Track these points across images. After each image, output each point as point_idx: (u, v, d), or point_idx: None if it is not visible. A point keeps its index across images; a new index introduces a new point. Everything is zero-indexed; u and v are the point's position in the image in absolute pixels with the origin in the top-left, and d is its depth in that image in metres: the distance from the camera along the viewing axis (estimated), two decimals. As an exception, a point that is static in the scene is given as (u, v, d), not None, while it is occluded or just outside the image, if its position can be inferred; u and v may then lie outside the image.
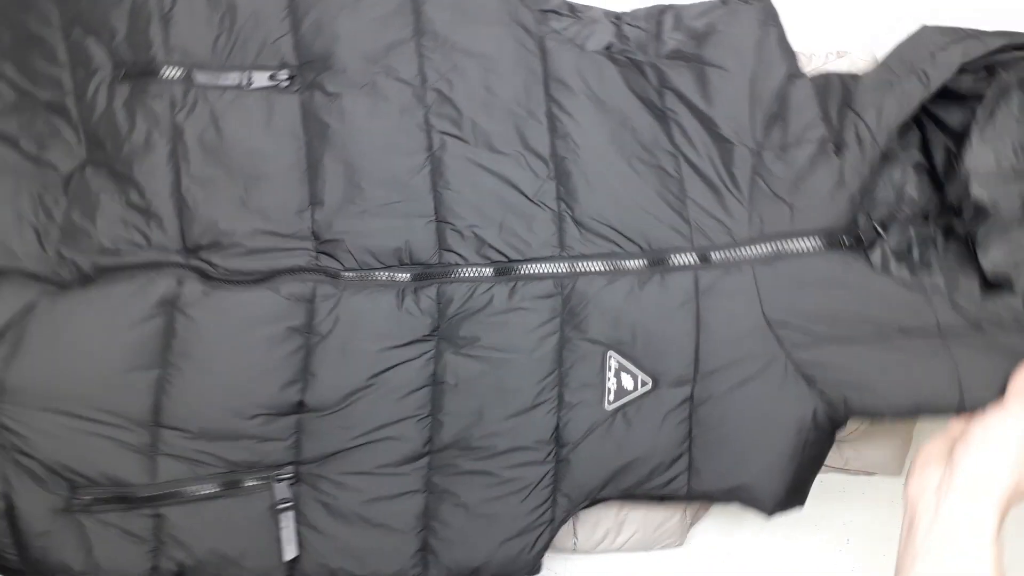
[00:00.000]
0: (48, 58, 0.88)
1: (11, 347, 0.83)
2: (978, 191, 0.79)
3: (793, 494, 0.83)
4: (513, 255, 0.86)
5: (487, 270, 0.86)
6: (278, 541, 0.83)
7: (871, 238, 0.86)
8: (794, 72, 0.85)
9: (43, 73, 0.88)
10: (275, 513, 0.83)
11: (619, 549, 0.94)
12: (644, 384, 0.83)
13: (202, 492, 0.83)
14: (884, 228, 0.86)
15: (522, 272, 0.86)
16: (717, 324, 0.83)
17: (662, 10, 0.91)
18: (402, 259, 0.86)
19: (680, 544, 0.96)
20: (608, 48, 0.89)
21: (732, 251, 0.84)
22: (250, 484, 0.83)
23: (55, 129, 0.88)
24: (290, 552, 0.83)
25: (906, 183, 0.88)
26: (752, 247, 0.83)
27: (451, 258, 0.86)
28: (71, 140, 0.88)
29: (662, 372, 0.83)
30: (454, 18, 0.88)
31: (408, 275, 0.86)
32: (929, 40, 0.82)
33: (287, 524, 0.83)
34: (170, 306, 0.84)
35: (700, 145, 0.86)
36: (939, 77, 0.79)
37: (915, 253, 0.87)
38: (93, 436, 0.82)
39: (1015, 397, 0.72)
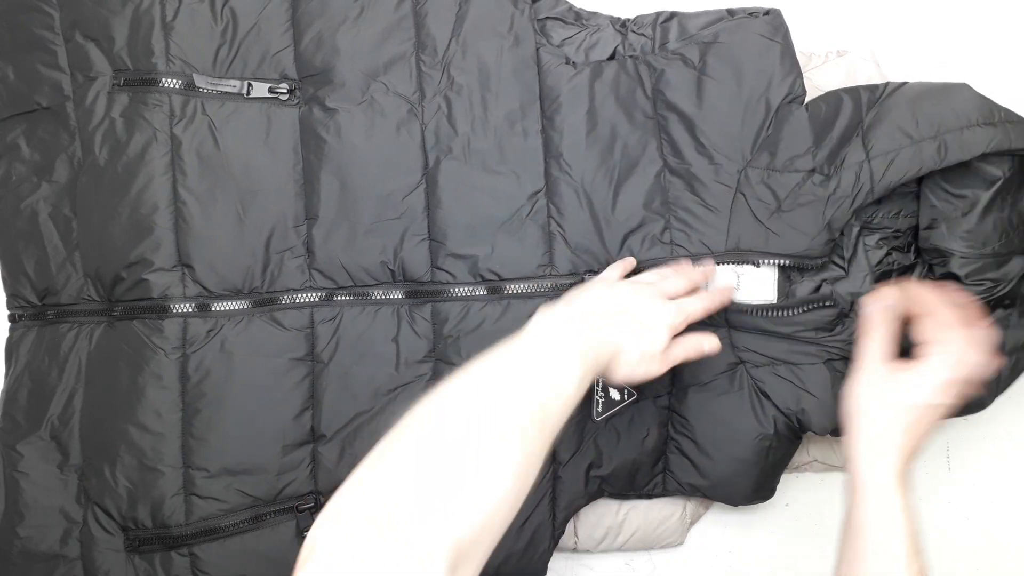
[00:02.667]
0: (49, 62, 0.88)
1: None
2: (957, 268, 0.83)
3: (759, 491, 0.89)
4: (505, 273, 0.86)
5: (479, 289, 0.86)
6: None
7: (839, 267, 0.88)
8: (795, 94, 0.85)
9: (44, 77, 0.88)
10: (302, 540, 0.84)
11: (620, 548, 0.95)
12: (631, 395, 0.85)
13: (230, 527, 0.84)
14: (849, 261, 0.89)
15: (513, 291, 0.86)
16: None
17: (668, 17, 0.90)
18: (395, 276, 0.87)
19: (680, 543, 0.97)
20: (611, 58, 0.89)
21: (707, 261, 0.85)
22: (274, 516, 0.85)
23: (54, 134, 0.88)
24: None
25: (884, 225, 0.89)
26: (726, 262, 0.85)
27: (443, 276, 0.87)
28: (67, 146, 0.88)
29: (644, 385, 0.85)
30: (455, 32, 0.88)
31: (401, 293, 0.87)
32: (964, 107, 0.80)
33: None
34: (180, 350, 0.85)
35: (688, 155, 0.86)
36: (957, 157, 0.79)
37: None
38: (148, 485, 0.84)
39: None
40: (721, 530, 1.00)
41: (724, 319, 0.85)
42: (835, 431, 0.84)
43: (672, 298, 0.76)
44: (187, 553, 0.83)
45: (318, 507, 0.85)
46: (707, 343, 0.77)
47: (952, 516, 1.01)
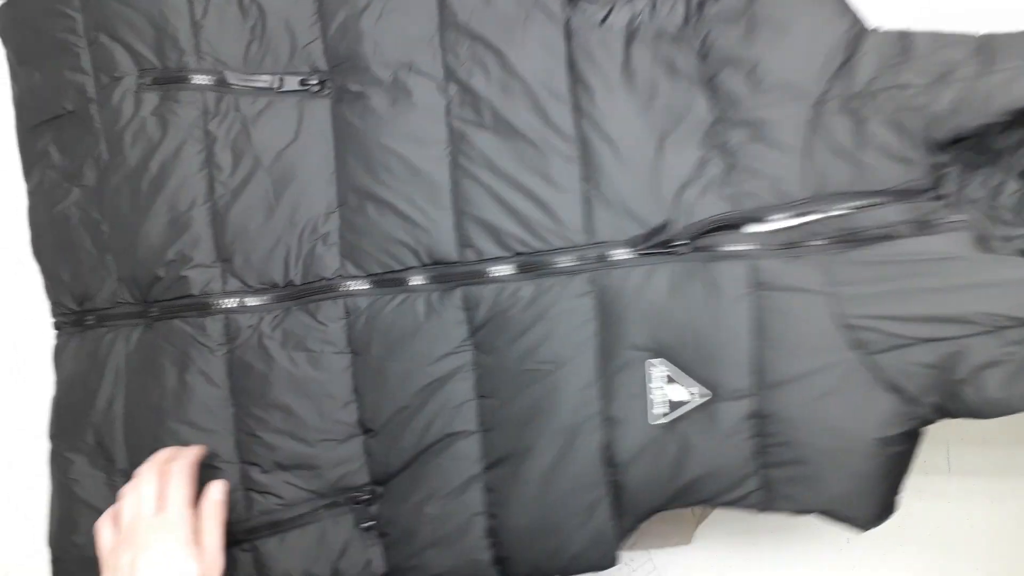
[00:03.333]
0: (73, 66, 0.88)
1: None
2: None
3: (884, 510, 0.75)
4: (537, 244, 0.79)
5: (510, 267, 0.80)
6: (368, 559, 0.84)
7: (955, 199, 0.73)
8: (859, 23, 0.76)
9: (69, 81, 0.88)
10: (360, 532, 0.84)
11: (626, 549, 0.86)
12: (703, 396, 0.74)
13: (288, 522, 0.84)
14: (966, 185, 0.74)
15: (548, 266, 0.79)
16: (782, 326, 0.72)
17: None
18: (422, 259, 0.82)
19: (687, 543, 0.96)
20: (639, 21, 0.81)
21: (786, 212, 0.74)
22: (331, 509, 0.84)
23: (80, 138, 0.88)
24: (379, 568, 0.84)
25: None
26: (812, 210, 0.74)
27: (471, 254, 0.81)
28: (93, 148, 0.88)
29: (719, 382, 0.74)
30: (477, 8, 0.83)
31: (431, 277, 0.82)
32: None
33: (373, 542, 0.84)
34: (225, 346, 0.85)
35: (746, 101, 0.76)
36: None
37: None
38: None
39: None
40: (726, 530, 0.99)
41: (826, 278, 0.71)
42: (991, 414, 0.67)
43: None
44: (249, 548, 0.84)
45: (375, 498, 0.84)
46: (216, 493, 0.79)
47: (952, 516, 1.00)
